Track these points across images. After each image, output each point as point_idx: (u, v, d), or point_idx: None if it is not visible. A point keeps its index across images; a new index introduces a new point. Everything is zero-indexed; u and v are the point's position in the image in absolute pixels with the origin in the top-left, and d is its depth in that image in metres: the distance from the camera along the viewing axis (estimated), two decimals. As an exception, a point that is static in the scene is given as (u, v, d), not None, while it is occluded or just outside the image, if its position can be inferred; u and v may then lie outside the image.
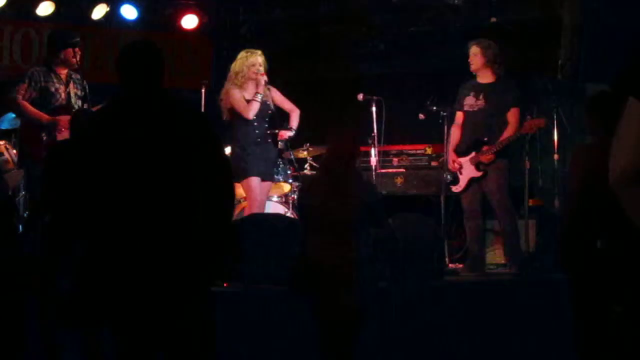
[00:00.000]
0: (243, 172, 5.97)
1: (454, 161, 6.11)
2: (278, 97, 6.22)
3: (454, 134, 6.20)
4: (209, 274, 3.10)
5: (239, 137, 6.07)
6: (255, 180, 6.00)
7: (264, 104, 6.06)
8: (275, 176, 6.77)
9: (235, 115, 6.03)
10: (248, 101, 5.96)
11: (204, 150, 3.05)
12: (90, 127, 3.31)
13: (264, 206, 6.15)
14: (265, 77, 5.97)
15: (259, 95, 5.96)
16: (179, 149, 3.00)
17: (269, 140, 6.17)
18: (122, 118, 3.05)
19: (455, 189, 6.15)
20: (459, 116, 6.19)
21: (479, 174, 5.99)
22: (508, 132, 5.93)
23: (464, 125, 6.16)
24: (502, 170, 5.98)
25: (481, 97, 6.05)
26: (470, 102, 6.10)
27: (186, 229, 2.94)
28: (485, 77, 6.09)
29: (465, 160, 6.07)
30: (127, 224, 2.92)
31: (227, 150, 5.87)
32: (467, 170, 6.05)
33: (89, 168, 3.00)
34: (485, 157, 5.93)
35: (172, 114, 3.10)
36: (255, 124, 6.06)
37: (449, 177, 6.17)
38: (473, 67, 6.09)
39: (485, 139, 5.97)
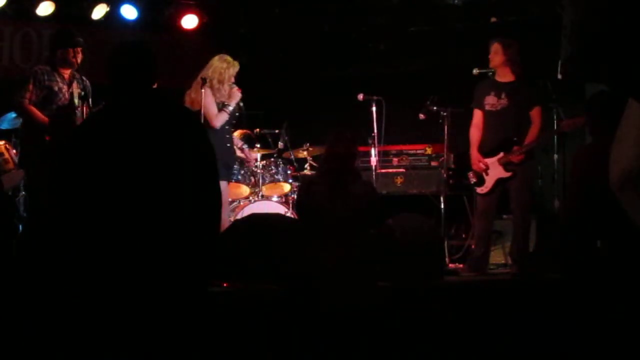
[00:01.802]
0: None
1: (479, 161, 5.97)
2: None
3: (474, 134, 6.06)
4: (197, 274, 3.10)
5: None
6: (223, 184, 5.85)
7: (234, 108, 6.05)
8: (275, 176, 6.77)
9: (205, 119, 5.89)
10: (222, 106, 5.91)
11: (194, 153, 3.05)
12: (83, 131, 3.30)
13: (226, 208, 6.15)
14: (240, 93, 5.95)
15: (229, 107, 5.90)
16: (170, 151, 2.99)
17: (231, 143, 6.18)
18: (115, 122, 3.04)
19: (481, 190, 6.00)
20: (478, 115, 6.06)
21: (507, 174, 5.86)
22: (534, 132, 5.85)
23: (486, 125, 6.03)
24: (531, 171, 5.93)
25: (503, 96, 5.95)
26: (492, 101, 6.00)
27: (176, 230, 2.95)
28: (504, 76, 6.02)
29: (492, 161, 5.93)
30: (118, 225, 2.92)
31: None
32: (495, 171, 5.92)
33: (80, 172, 2.99)
34: (516, 157, 5.82)
35: (164, 116, 3.10)
36: (227, 127, 6.05)
37: (473, 178, 6.03)
38: (492, 64, 6.02)
39: (515, 138, 5.88)
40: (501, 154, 5.91)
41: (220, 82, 5.93)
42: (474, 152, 6.04)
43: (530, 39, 7.61)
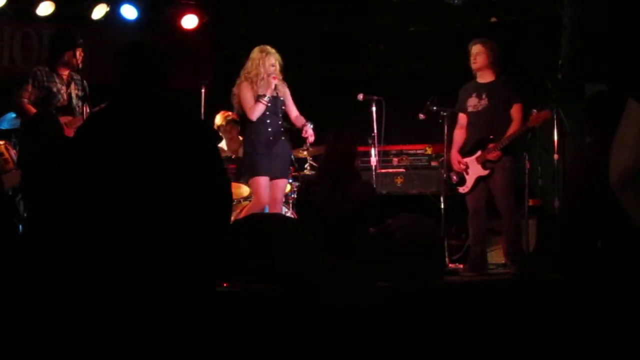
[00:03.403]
0: (251, 170, 5.94)
1: (459, 162, 6.07)
2: (288, 100, 6.11)
3: (458, 136, 6.16)
4: (203, 274, 3.10)
5: (250, 134, 5.98)
6: (262, 180, 5.89)
7: (276, 99, 5.97)
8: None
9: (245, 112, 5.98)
10: (258, 98, 5.87)
11: (196, 153, 3.05)
12: (84, 131, 3.30)
13: (278, 205, 6.06)
14: (276, 81, 5.88)
15: (266, 97, 5.85)
16: (173, 153, 3.00)
17: (283, 138, 6.02)
18: (117, 122, 3.05)
19: (462, 189, 6.09)
20: (462, 118, 6.17)
21: (486, 172, 5.96)
22: (513, 128, 5.91)
23: (468, 126, 6.12)
24: (508, 169, 5.96)
25: (483, 96, 6.03)
26: (473, 103, 6.08)
27: (180, 231, 2.94)
28: (485, 77, 6.09)
29: (471, 160, 6.03)
30: (120, 225, 2.92)
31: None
32: (474, 170, 6.01)
33: (82, 172, 2.99)
34: (492, 155, 5.90)
35: (164, 116, 3.10)
36: (268, 121, 5.94)
37: (454, 177, 6.13)
38: (476, 66, 6.06)
39: (491, 136, 5.94)
40: (479, 153, 6.00)
41: (257, 74, 5.90)
42: (454, 153, 6.15)
43: (530, 39, 7.62)
